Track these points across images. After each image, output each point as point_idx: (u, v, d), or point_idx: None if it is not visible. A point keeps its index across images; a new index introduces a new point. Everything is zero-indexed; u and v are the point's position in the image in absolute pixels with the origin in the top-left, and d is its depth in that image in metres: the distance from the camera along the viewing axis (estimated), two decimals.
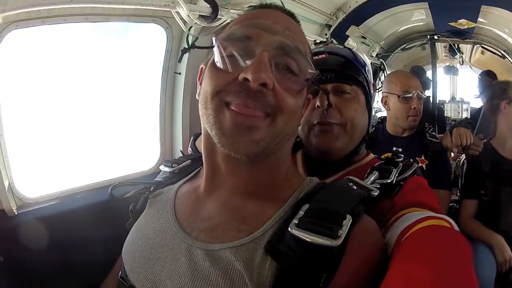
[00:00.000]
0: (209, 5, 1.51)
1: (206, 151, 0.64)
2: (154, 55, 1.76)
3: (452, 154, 2.13)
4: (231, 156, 0.57)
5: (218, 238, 0.56)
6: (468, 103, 3.41)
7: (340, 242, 0.48)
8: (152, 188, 0.75)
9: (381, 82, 3.58)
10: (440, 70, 4.32)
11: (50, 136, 1.49)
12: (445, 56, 4.41)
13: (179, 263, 0.56)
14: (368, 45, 3.83)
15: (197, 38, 1.65)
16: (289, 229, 0.51)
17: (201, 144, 0.66)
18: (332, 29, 2.77)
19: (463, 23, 3.40)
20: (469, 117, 3.23)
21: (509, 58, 3.72)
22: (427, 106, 3.36)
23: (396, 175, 0.77)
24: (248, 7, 0.68)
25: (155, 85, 1.78)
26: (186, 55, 1.72)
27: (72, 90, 1.53)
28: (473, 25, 3.39)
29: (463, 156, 2.08)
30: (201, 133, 0.65)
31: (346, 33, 2.90)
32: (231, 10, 1.56)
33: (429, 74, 4.09)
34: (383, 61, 4.19)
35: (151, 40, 1.73)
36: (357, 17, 2.86)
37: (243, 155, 0.55)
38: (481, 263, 1.60)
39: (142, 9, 1.44)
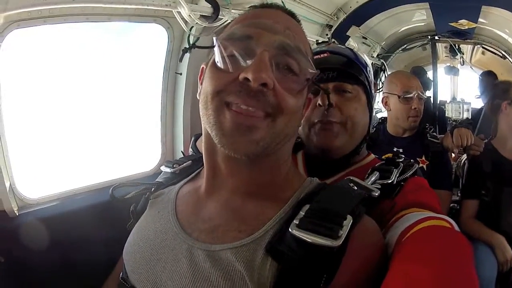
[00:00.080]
0: (210, 5, 1.51)
1: (206, 151, 0.64)
2: (155, 55, 1.76)
3: (453, 155, 2.13)
4: (232, 156, 0.57)
5: (219, 239, 0.56)
6: (469, 103, 3.40)
7: (341, 242, 0.48)
8: (153, 188, 0.75)
9: (382, 83, 3.59)
10: (440, 70, 4.32)
11: (51, 136, 1.50)
12: (445, 56, 4.41)
13: (180, 264, 0.56)
14: (369, 46, 3.83)
15: (198, 38, 1.65)
16: (290, 230, 0.51)
17: (201, 144, 0.65)
18: (333, 29, 2.77)
19: (463, 24, 3.39)
20: (470, 117, 3.23)
21: (510, 59, 3.71)
22: (428, 106, 3.36)
23: (397, 175, 0.77)
24: (249, 7, 0.68)
25: (156, 86, 1.79)
26: (187, 55, 1.72)
27: (73, 90, 1.53)
28: (474, 25, 3.39)
29: (464, 157, 2.07)
30: (202, 134, 0.65)
31: (347, 33, 2.90)
32: (232, 10, 1.56)
33: (429, 74, 4.09)
34: (384, 62, 4.18)
35: (152, 40, 1.73)
36: (358, 17, 2.86)
37: (243, 155, 0.55)
38: (482, 263, 1.60)
39: (143, 9, 1.45)
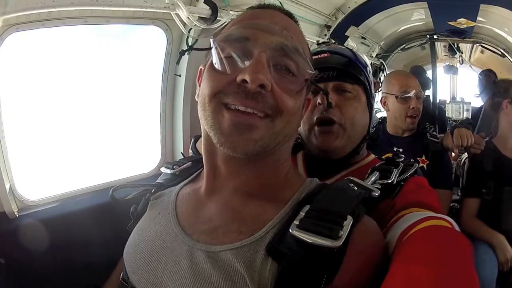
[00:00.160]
0: (208, 7, 1.51)
1: (206, 152, 0.64)
2: (154, 57, 1.76)
3: (453, 154, 2.12)
4: (231, 157, 0.57)
5: (219, 240, 0.56)
6: (469, 103, 3.41)
7: (341, 243, 0.48)
8: (153, 190, 0.75)
9: (381, 83, 3.59)
10: (440, 69, 4.34)
11: (51, 138, 1.50)
12: (444, 55, 4.42)
13: (180, 265, 0.56)
14: (368, 46, 3.84)
15: (196, 40, 1.65)
16: (290, 230, 0.51)
17: (201, 146, 0.66)
18: (331, 29, 2.78)
19: (462, 23, 3.40)
20: (470, 117, 3.23)
21: (509, 57, 3.72)
22: (428, 105, 3.36)
23: (397, 175, 0.77)
24: (247, 8, 0.68)
25: (156, 87, 1.79)
26: (186, 57, 1.72)
27: (72, 92, 1.53)
28: (473, 24, 3.39)
29: (464, 156, 2.07)
30: (201, 135, 0.65)
31: (346, 33, 2.90)
32: (231, 12, 1.57)
33: (429, 73, 4.10)
34: (383, 61, 4.19)
35: (151, 43, 1.73)
36: (357, 17, 2.87)
37: (241, 154, 0.55)
38: (483, 263, 1.60)
39: (141, 12, 1.45)
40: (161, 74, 1.77)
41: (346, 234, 0.49)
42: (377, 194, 0.66)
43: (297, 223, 0.52)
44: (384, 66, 4.21)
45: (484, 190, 1.81)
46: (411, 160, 0.87)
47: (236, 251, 0.53)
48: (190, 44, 1.66)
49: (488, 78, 3.38)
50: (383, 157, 0.96)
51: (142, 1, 1.34)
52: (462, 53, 4.24)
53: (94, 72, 1.59)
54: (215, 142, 0.56)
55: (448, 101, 3.85)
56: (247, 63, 0.54)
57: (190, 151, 1.12)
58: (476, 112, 3.25)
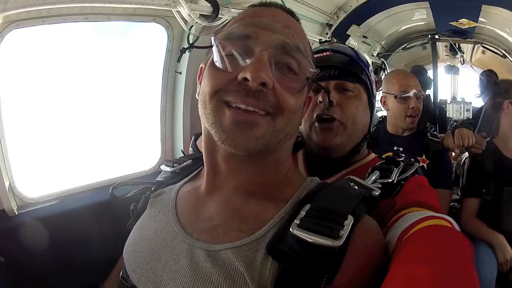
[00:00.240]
0: (210, 4, 1.51)
1: (206, 151, 0.63)
2: (155, 54, 1.76)
3: (453, 154, 2.12)
4: (232, 155, 0.57)
5: (219, 239, 0.56)
6: (470, 103, 3.41)
7: (342, 242, 0.48)
8: (153, 188, 0.75)
9: (381, 82, 3.59)
10: (441, 69, 4.33)
11: (50, 136, 1.50)
12: (446, 55, 4.42)
13: (180, 263, 0.56)
14: (369, 45, 3.83)
15: (198, 37, 1.65)
16: (291, 230, 0.51)
17: (202, 143, 0.65)
18: (333, 28, 2.77)
19: (464, 23, 3.39)
20: (471, 117, 3.23)
21: (510, 58, 3.72)
22: (428, 105, 3.36)
23: (397, 174, 0.77)
24: (248, 6, 0.68)
25: (156, 85, 1.78)
26: (187, 55, 1.72)
27: (72, 89, 1.53)
28: (474, 24, 3.39)
29: (464, 156, 2.07)
30: (202, 133, 0.65)
31: (347, 32, 2.90)
32: (232, 9, 1.56)
33: (430, 73, 4.09)
34: (384, 61, 4.19)
35: (152, 40, 1.73)
36: (358, 16, 2.86)
37: (243, 151, 0.55)
38: (482, 263, 1.60)
39: (142, 9, 1.45)
40: (162, 71, 1.76)
41: (347, 233, 0.49)
42: (377, 194, 0.66)
43: (298, 222, 0.51)
44: (385, 65, 4.21)
45: (484, 190, 1.81)
46: (412, 159, 0.87)
47: (236, 250, 0.53)
48: (191, 41, 1.66)
49: (489, 79, 3.37)
50: (384, 156, 0.96)
51: None
52: (463, 53, 4.24)
53: (94, 70, 1.58)
54: (216, 140, 0.56)
55: (448, 101, 3.85)
56: (248, 61, 0.54)
57: (190, 149, 1.12)
58: (477, 112, 3.25)
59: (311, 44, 0.68)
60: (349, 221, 0.50)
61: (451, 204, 1.95)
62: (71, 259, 1.23)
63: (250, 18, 0.60)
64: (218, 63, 0.57)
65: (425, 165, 1.73)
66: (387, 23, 3.68)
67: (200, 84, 0.62)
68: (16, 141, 1.27)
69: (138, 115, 1.85)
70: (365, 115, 0.92)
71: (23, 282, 1.16)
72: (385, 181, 0.75)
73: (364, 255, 0.53)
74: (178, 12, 1.45)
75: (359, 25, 2.97)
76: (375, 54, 4.01)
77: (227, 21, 1.47)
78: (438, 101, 3.95)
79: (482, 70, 3.78)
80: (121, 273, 0.66)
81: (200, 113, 0.60)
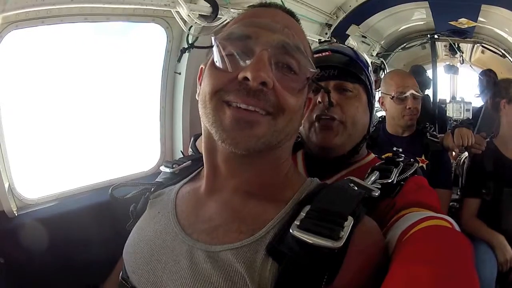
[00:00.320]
0: (209, 5, 1.51)
1: (206, 151, 0.63)
2: (154, 55, 1.76)
3: (453, 153, 2.12)
4: (232, 156, 0.57)
5: (219, 239, 0.56)
6: (470, 103, 3.41)
7: (342, 243, 0.48)
8: (152, 189, 0.75)
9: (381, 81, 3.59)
10: (440, 69, 4.33)
11: (50, 137, 1.49)
12: (445, 55, 4.42)
13: (180, 264, 0.55)
14: (369, 44, 3.83)
15: (197, 37, 1.65)
16: (291, 231, 0.50)
17: (201, 144, 0.65)
18: (332, 28, 2.77)
19: (463, 22, 3.40)
20: (471, 117, 3.23)
21: (509, 58, 3.72)
22: (427, 105, 3.36)
23: (397, 175, 0.77)
24: (248, 6, 0.68)
25: (155, 85, 1.78)
26: (186, 55, 1.72)
27: (72, 90, 1.53)
28: (474, 24, 3.39)
29: (463, 155, 2.07)
30: (201, 134, 0.65)
31: (347, 32, 2.90)
32: (231, 10, 1.56)
33: (429, 73, 4.09)
34: (383, 60, 4.19)
35: (151, 40, 1.73)
36: (358, 16, 2.86)
37: (243, 150, 0.55)
38: (482, 263, 1.60)
39: (142, 9, 1.45)
40: (161, 72, 1.76)
41: (347, 234, 0.49)
42: (377, 194, 0.66)
43: (298, 223, 0.51)
44: (384, 65, 4.21)
45: (484, 191, 1.81)
46: (411, 159, 0.87)
47: (236, 251, 0.53)
48: (190, 42, 1.65)
49: (489, 78, 3.38)
50: (383, 156, 0.96)
51: None
52: (462, 53, 4.24)
53: (93, 70, 1.58)
54: (217, 139, 0.56)
55: (448, 101, 3.85)
56: (248, 61, 0.54)
57: (190, 149, 1.12)
58: (477, 112, 3.25)
59: (310, 44, 0.68)
60: (349, 222, 0.50)
61: (451, 203, 1.95)
62: (71, 260, 1.23)
63: (250, 19, 0.61)
64: (218, 63, 0.57)
65: (424, 165, 1.73)
66: (387, 23, 3.68)
67: (200, 84, 0.62)
68: (16, 142, 1.27)
69: (137, 116, 1.84)
70: (364, 116, 0.91)
71: (23, 283, 1.16)
72: (385, 182, 0.74)
73: (364, 256, 0.53)
74: (177, 12, 1.45)
75: (358, 25, 2.97)
76: (374, 54, 4.02)
77: (227, 21, 1.48)
78: (438, 100, 3.95)
79: (481, 70, 3.79)
80: (121, 274, 0.66)
81: (200, 113, 0.60)
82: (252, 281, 0.49)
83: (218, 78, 0.56)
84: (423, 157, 1.75)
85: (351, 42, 3.01)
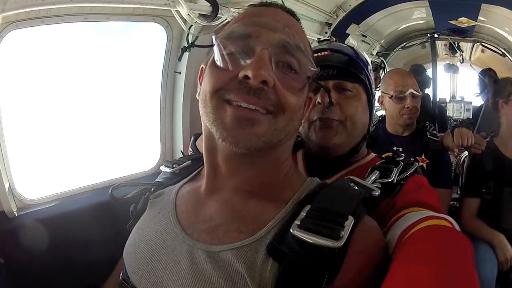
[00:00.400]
0: (209, 4, 1.50)
1: (207, 151, 0.63)
2: (154, 54, 1.75)
3: (455, 153, 2.11)
4: (232, 155, 0.57)
5: (220, 239, 0.56)
6: (470, 103, 3.41)
7: (342, 243, 0.48)
8: (152, 188, 0.75)
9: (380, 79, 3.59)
10: (440, 68, 4.33)
11: (50, 137, 1.49)
12: (445, 54, 4.42)
13: (180, 265, 0.55)
14: (368, 44, 3.84)
15: (197, 37, 1.65)
16: (291, 230, 0.50)
17: (201, 144, 0.65)
18: (332, 27, 2.77)
19: (463, 21, 3.40)
20: (471, 117, 3.23)
21: (509, 57, 3.72)
22: (427, 104, 3.36)
23: (397, 174, 0.77)
24: (248, 5, 0.68)
25: (155, 85, 1.78)
26: (186, 55, 1.72)
27: (72, 90, 1.53)
28: (474, 23, 3.39)
29: (463, 155, 2.07)
30: (201, 133, 0.65)
31: (347, 31, 2.90)
32: (231, 9, 1.56)
33: (429, 72, 4.09)
34: (383, 59, 4.19)
35: (151, 40, 1.73)
36: (358, 15, 2.86)
37: (244, 148, 0.55)
38: (483, 262, 1.60)
39: (142, 8, 1.45)
40: (161, 71, 1.76)
41: (347, 234, 0.49)
42: (377, 194, 0.66)
43: (298, 223, 0.51)
44: (384, 64, 4.21)
45: (484, 190, 1.81)
46: (411, 159, 0.87)
47: (236, 251, 0.53)
48: (190, 41, 1.65)
49: (489, 78, 3.38)
50: (383, 156, 0.95)
51: None
52: (462, 52, 4.25)
53: (93, 70, 1.58)
54: (217, 138, 0.56)
55: (448, 100, 3.86)
56: (248, 60, 0.54)
57: (190, 149, 1.12)
58: (476, 111, 3.25)
59: (310, 44, 0.68)
60: (350, 222, 0.50)
61: (451, 203, 1.95)
62: (71, 260, 1.23)
63: (251, 18, 0.61)
64: (219, 62, 0.57)
65: (424, 164, 1.73)
66: (387, 22, 3.68)
67: (201, 84, 0.62)
68: (16, 142, 1.27)
69: (137, 116, 1.84)
70: (364, 115, 0.91)
71: (23, 283, 1.16)
72: (385, 181, 0.74)
73: (365, 256, 0.53)
74: (177, 11, 1.44)
75: (358, 24, 2.97)
76: (374, 53, 4.02)
77: (227, 20, 1.47)
78: (438, 100, 3.96)
79: (481, 69, 3.79)
80: (121, 274, 0.66)
81: (200, 112, 0.60)
82: (253, 281, 0.49)
83: (218, 77, 0.56)
84: (423, 157, 1.75)
85: (351, 41, 3.01)
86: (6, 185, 1.21)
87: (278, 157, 0.62)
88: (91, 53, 1.57)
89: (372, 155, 0.97)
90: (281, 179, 0.63)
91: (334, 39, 1.05)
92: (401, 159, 0.84)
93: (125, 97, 1.74)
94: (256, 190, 0.61)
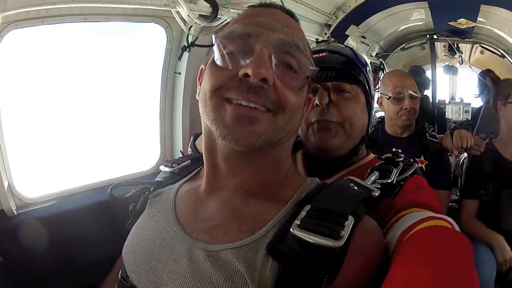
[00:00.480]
0: (209, 5, 1.50)
1: (206, 150, 0.64)
2: (154, 55, 1.75)
3: (454, 155, 2.12)
4: (232, 154, 0.58)
5: (219, 239, 0.56)
6: (469, 104, 3.42)
7: (343, 243, 0.48)
8: (152, 188, 0.75)
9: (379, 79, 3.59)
10: (439, 69, 4.34)
11: (49, 136, 1.49)
12: (444, 55, 4.43)
13: (180, 264, 0.55)
14: (368, 45, 3.84)
15: (197, 37, 1.65)
16: (291, 230, 0.51)
17: (201, 144, 0.65)
18: (331, 28, 2.78)
19: (462, 23, 3.40)
20: (470, 118, 3.23)
21: (509, 58, 3.73)
22: (427, 105, 3.36)
23: (397, 175, 0.77)
24: (248, 6, 0.68)
25: (155, 85, 1.78)
26: (186, 55, 1.72)
27: (72, 90, 1.53)
28: (473, 24, 3.40)
29: (462, 156, 2.07)
30: (201, 133, 0.65)
31: (346, 32, 2.90)
32: (231, 10, 1.56)
33: (428, 73, 4.10)
34: (382, 61, 4.20)
35: (151, 40, 1.73)
36: (357, 16, 2.87)
37: (244, 146, 0.55)
38: (482, 263, 1.60)
39: (142, 9, 1.45)
40: (161, 72, 1.76)
41: (348, 234, 0.49)
42: (377, 194, 0.66)
43: (298, 222, 0.51)
44: (383, 65, 4.22)
45: (483, 192, 1.81)
46: (411, 160, 0.87)
47: (236, 250, 0.53)
48: (190, 42, 1.65)
49: (488, 79, 3.38)
50: (383, 157, 0.95)
51: None
52: (461, 53, 4.26)
53: (93, 70, 1.58)
54: (217, 136, 0.56)
55: (447, 101, 3.86)
56: (248, 59, 0.55)
57: (189, 149, 1.12)
58: (476, 113, 3.25)
59: (309, 44, 0.68)
60: (350, 222, 0.50)
61: (450, 204, 1.95)
62: (71, 259, 1.23)
63: (250, 18, 0.61)
64: (218, 61, 0.57)
65: (423, 166, 1.73)
66: (386, 23, 3.68)
67: (201, 84, 0.63)
68: (15, 141, 1.27)
69: (137, 116, 1.84)
70: (363, 117, 0.91)
71: (22, 282, 1.16)
72: (385, 182, 0.74)
73: (365, 256, 0.53)
74: (177, 12, 1.44)
75: (357, 25, 2.98)
76: (373, 54, 4.02)
77: (226, 21, 1.48)
78: (437, 101, 3.96)
79: (480, 70, 3.79)
80: (120, 273, 0.66)
81: (200, 111, 0.60)
82: (252, 281, 0.49)
83: (218, 76, 0.56)
84: (422, 158, 1.75)
85: (351, 42, 3.02)
86: (6, 184, 1.20)
87: (278, 156, 0.62)
88: (91, 53, 1.57)
89: (372, 155, 0.97)
90: (281, 178, 0.63)
91: (333, 40, 1.04)
92: (400, 160, 0.84)
93: (125, 97, 1.74)
94: (256, 190, 0.61)
